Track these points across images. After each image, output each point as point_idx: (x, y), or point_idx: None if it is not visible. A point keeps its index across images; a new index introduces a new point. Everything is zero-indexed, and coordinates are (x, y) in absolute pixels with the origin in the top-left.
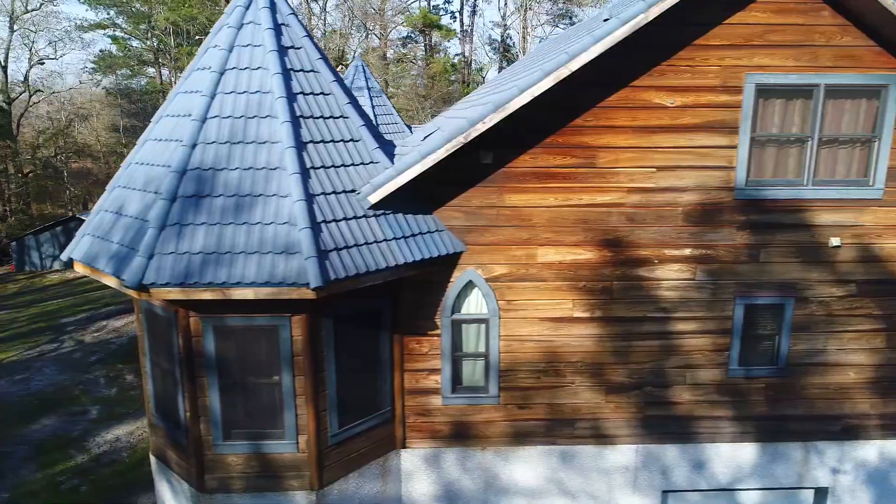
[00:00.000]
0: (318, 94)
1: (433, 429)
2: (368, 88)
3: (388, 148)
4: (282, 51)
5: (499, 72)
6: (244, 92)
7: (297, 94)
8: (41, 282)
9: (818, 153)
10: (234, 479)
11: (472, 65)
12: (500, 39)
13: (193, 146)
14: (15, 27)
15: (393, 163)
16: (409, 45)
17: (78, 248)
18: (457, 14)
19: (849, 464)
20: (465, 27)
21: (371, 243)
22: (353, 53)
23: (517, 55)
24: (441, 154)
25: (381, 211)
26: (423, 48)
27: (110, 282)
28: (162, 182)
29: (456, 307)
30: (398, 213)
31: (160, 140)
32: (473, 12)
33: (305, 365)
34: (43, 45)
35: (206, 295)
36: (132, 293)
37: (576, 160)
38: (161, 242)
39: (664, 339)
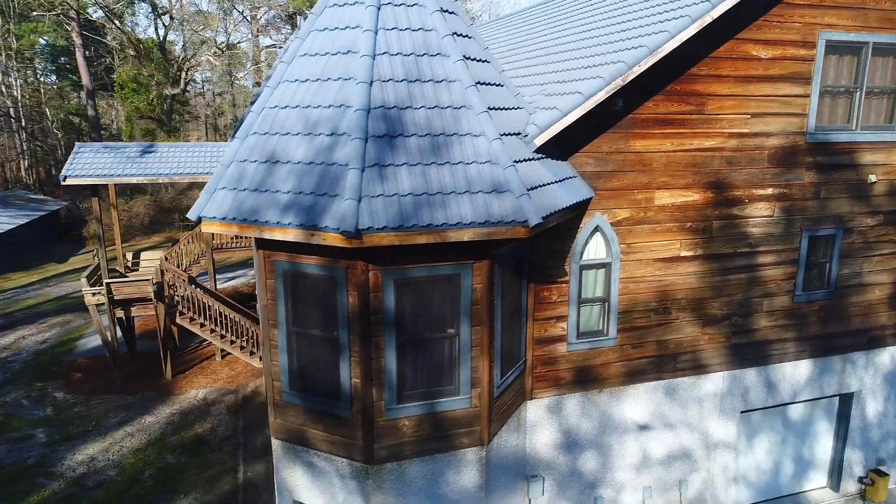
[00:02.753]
0: (466, 37)
1: (557, 376)
2: None
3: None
4: None
5: None
6: (406, 29)
7: (454, 34)
8: None
9: (864, 102)
10: (405, 444)
11: None
12: None
13: (370, 83)
14: None
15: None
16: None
17: (211, 205)
18: None
19: (871, 369)
20: None
21: (544, 185)
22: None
23: None
24: (601, 96)
25: (541, 155)
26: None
27: (285, 235)
28: (340, 122)
29: (583, 253)
30: (549, 157)
31: (308, 80)
32: None
33: (483, 314)
34: None
35: (422, 239)
36: (337, 242)
37: (689, 107)
38: (366, 184)
39: (749, 271)
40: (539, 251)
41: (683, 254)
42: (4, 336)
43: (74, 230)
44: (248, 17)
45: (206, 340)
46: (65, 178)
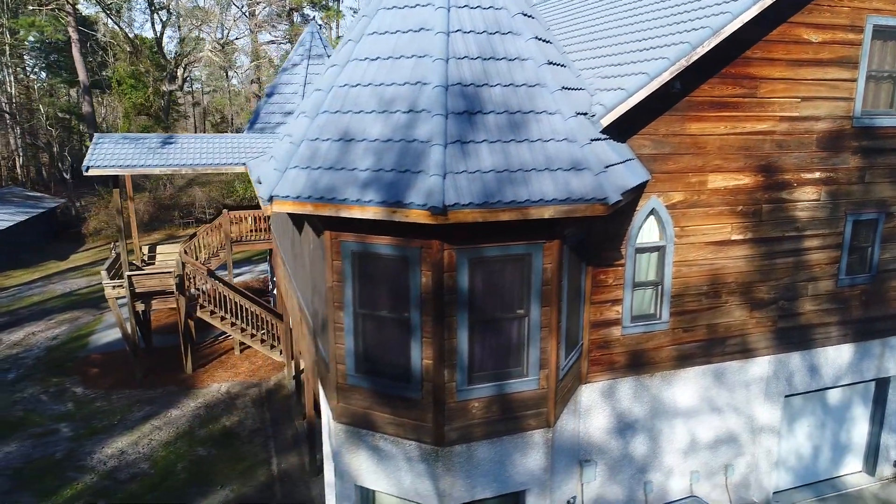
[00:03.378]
0: (531, 17)
1: (611, 360)
2: (328, 56)
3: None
4: None
5: None
6: (477, 7)
7: (522, 13)
8: None
9: None
10: (475, 426)
11: None
12: None
13: (447, 60)
14: None
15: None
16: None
17: (283, 184)
18: None
19: None
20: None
21: (613, 165)
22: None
23: None
24: (666, 77)
25: (606, 136)
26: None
27: (364, 213)
28: (418, 99)
29: (638, 236)
30: (611, 139)
31: (379, 58)
32: None
33: (553, 295)
34: None
35: (505, 216)
36: (421, 218)
37: (742, 90)
38: (450, 160)
39: (796, 255)
40: (596, 234)
41: (734, 237)
42: (13, 332)
43: (73, 228)
44: (247, 13)
45: (222, 334)
46: (87, 168)
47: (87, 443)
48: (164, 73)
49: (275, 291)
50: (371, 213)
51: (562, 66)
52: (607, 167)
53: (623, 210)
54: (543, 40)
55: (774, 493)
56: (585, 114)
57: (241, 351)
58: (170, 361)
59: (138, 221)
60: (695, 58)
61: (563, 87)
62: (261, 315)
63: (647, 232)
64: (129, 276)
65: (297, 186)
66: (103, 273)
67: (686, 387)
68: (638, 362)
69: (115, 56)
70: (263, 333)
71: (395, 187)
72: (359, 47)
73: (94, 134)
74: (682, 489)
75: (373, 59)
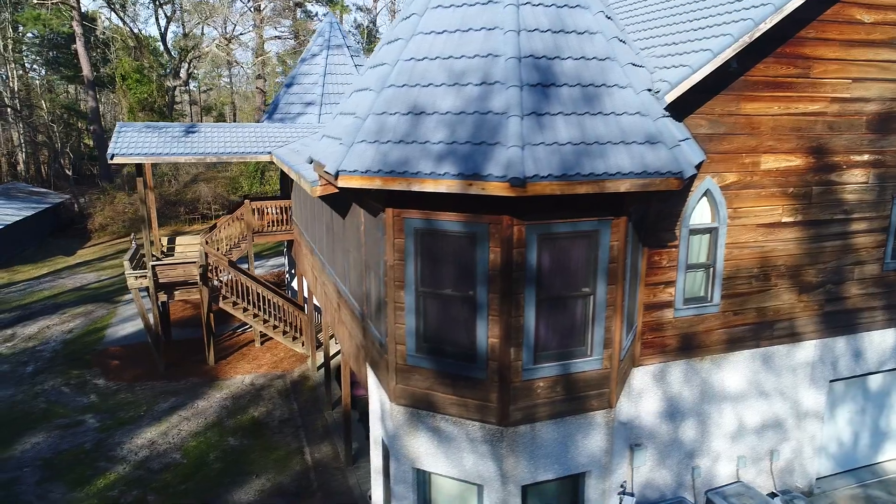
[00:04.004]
0: None
1: (663, 343)
2: (347, 46)
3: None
4: None
5: None
6: None
7: None
8: None
9: None
10: (539, 406)
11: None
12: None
13: (518, 32)
14: None
15: None
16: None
17: (350, 159)
18: None
19: None
20: None
21: (681, 141)
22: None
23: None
24: (729, 53)
25: (668, 113)
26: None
27: (437, 186)
28: (490, 71)
29: (691, 217)
30: (672, 116)
31: (446, 32)
32: None
33: (619, 273)
34: None
35: (583, 189)
36: (499, 191)
37: (796, 70)
38: (527, 132)
39: (843, 238)
40: (651, 215)
41: (784, 220)
42: (27, 326)
43: (77, 224)
44: (252, 8)
45: (240, 327)
46: (112, 156)
47: (115, 433)
48: (168, 69)
49: (293, 284)
50: (445, 186)
51: (622, 41)
52: (680, 142)
53: (678, 190)
54: (607, 16)
55: (817, 479)
56: (650, 90)
57: (262, 343)
58: (190, 354)
59: (143, 217)
60: (757, 34)
61: (630, 63)
62: (283, 306)
63: (699, 213)
64: (154, 266)
65: (366, 161)
66: (126, 263)
67: (735, 371)
68: (689, 345)
69: (117, 52)
70: (285, 325)
71: (471, 159)
72: (424, 21)
73: (118, 123)
74: (729, 474)
75: (439, 33)
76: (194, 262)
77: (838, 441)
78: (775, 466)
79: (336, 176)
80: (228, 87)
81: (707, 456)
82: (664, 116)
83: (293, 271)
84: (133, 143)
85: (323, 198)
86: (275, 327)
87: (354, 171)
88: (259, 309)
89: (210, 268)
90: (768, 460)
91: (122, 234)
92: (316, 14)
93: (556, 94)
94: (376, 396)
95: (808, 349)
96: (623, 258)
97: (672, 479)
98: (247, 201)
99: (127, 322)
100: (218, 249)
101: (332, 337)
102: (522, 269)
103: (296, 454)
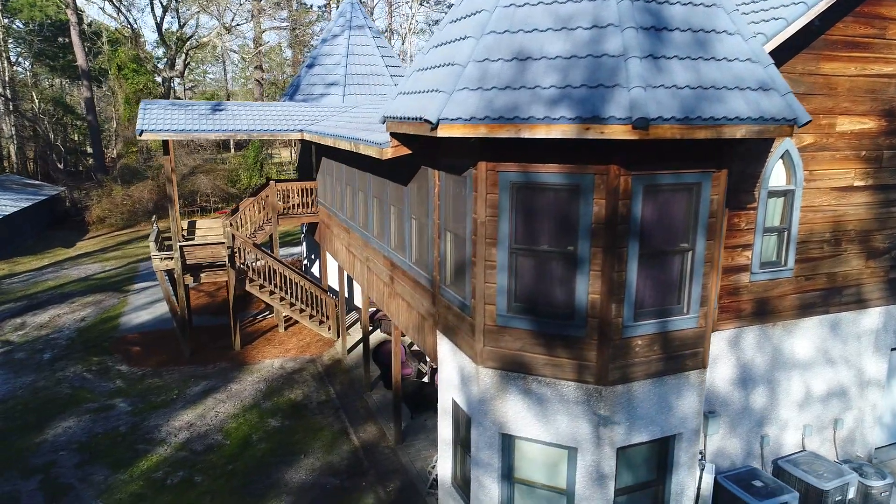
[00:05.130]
0: None
1: (739, 308)
2: (369, 27)
3: None
4: None
5: None
6: None
7: None
8: None
9: None
10: (636, 365)
11: None
12: None
13: None
14: None
15: None
16: None
17: (452, 107)
18: None
19: None
20: None
21: (786, 93)
22: None
23: None
24: (822, 7)
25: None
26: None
27: (549, 132)
28: (601, 14)
29: (770, 179)
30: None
31: None
32: None
33: (717, 228)
34: None
35: (701, 133)
36: (619, 134)
37: (873, 31)
38: (647, 74)
39: None
40: (733, 175)
41: (856, 183)
42: (37, 315)
43: (74, 216)
44: None
45: (260, 313)
46: (141, 132)
47: (150, 416)
48: (166, 60)
49: (313, 270)
50: (559, 131)
51: None
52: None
53: (759, 151)
54: None
55: (875, 448)
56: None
57: (286, 328)
58: (211, 340)
59: (142, 209)
60: None
61: (735, 10)
62: (311, 290)
63: (777, 175)
64: (182, 247)
65: (469, 108)
66: (151, 245)
67: (804, 337)
68: (763, 310)
69: (108, 43)
70: (312, 309)
71: (588, 102)
72: None
73: (142, 101)
74: (795, 443)
75: None
76: (222, 243)
77: (892, 412)
78: (838, 435)
79: (436, 126)
80: (218, 81)
81: (775, 424)
82: (773, 64)
83: (312, 257)
84: (161, 120)
85: (383, 165)
86: (301, 311)
87: (457, 119)
88: (286, 292)
89: (237, 250)
90: (832, 429)
91: (120, 226)
92: (311, 5)
93: (669, 38)
94: (452, 363)
95: (873, 316)
96: (722, 213)
97: (742, 448)
98: (272, 182)
99: (140, 311)
100: (240, 232)
101: (353, 324)
102: (627, 221)
103: (340, 435)
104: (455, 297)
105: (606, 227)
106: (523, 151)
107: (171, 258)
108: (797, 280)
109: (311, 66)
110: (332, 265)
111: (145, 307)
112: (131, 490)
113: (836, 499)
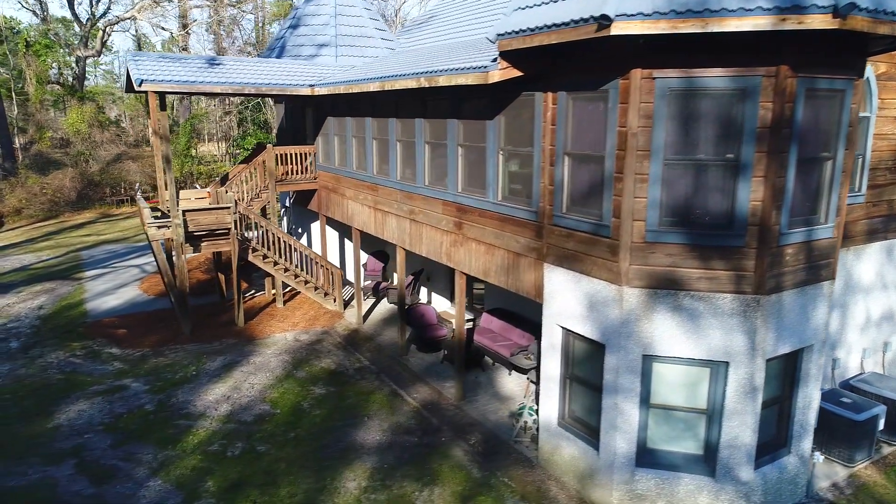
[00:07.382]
0: None
1: None
2: None
3: None
4: None
5: None
6: None
7: None
8: None
9: None
10: (785, 275)
11: None
12: None
13: None
14: None
15: None
16: None
17: (628, 1)
18: None
19: None
20: None
21: None
22: None
23: None
24: None
25: None
26: None
27: (741, 24)
28: None
29: None
30: None
31: None
32: None
33: (854, 137)
34: None
35: (883, 28)
36: (819, 24)
37: None
38: None
39: None
40: None
41: None
42: None
43: None
44: None
45: (249, 290)
46: (140, 82)
47: (174, 393)
48: (79, 38)
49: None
50: (751, 24)
51: None
52: None
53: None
54: None
55: None
56: None
57: (285, 303)
58: (206, 318)
59: (64, 200)
60: None
61: None
62: (316, 259)
63: None
64: (185, 212)
65: (648, 1)
66: (146, 212)
67: (869, 262)
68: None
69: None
70: (317, 281)
71: None
72: None
73: (129, 52)
74: (855, 366)
75: None
76: (227, 208)
77: None
78: (886, 358)
79: (606, 24)
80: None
81: (843, 347)
82: None
83: (299, 230)
84: (159, 70)
85: (444, 105)
86: (306, 283)
87: (635, 16)
88: (290, 262)
89: (239, 217)
90: (882, 352)
91: (41, 217)
92: None
93: None
94: (572, 293)
95: None
96: (858, 122)
97: None
98: (269, 146)
99: (105, 296)
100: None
101: (351, 299)
102: (790, 125)
103: (394, 397)
104: (581, 221)
105: (772, 132)
106: (685, 55)
107: (169, 227)
108: (867, 206)
109: (295, 26)
110: (331, 236)
111: (109, 293)
112: (191, 465)
113: None
